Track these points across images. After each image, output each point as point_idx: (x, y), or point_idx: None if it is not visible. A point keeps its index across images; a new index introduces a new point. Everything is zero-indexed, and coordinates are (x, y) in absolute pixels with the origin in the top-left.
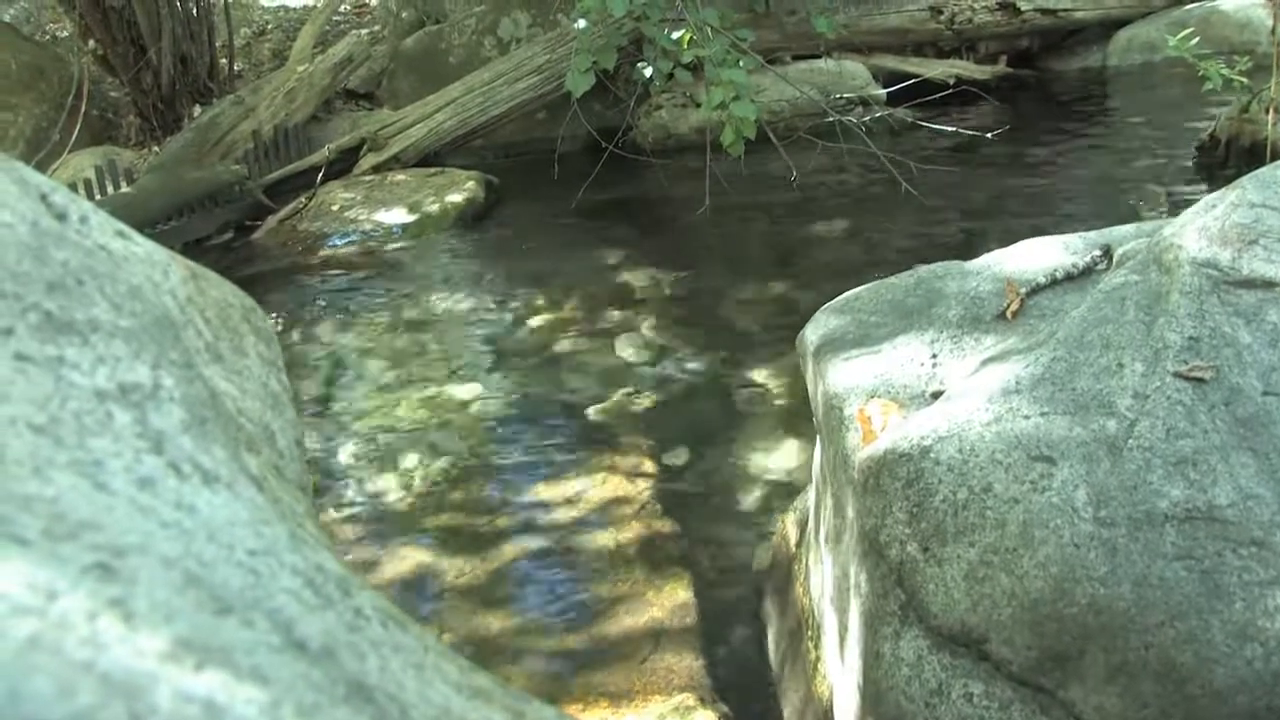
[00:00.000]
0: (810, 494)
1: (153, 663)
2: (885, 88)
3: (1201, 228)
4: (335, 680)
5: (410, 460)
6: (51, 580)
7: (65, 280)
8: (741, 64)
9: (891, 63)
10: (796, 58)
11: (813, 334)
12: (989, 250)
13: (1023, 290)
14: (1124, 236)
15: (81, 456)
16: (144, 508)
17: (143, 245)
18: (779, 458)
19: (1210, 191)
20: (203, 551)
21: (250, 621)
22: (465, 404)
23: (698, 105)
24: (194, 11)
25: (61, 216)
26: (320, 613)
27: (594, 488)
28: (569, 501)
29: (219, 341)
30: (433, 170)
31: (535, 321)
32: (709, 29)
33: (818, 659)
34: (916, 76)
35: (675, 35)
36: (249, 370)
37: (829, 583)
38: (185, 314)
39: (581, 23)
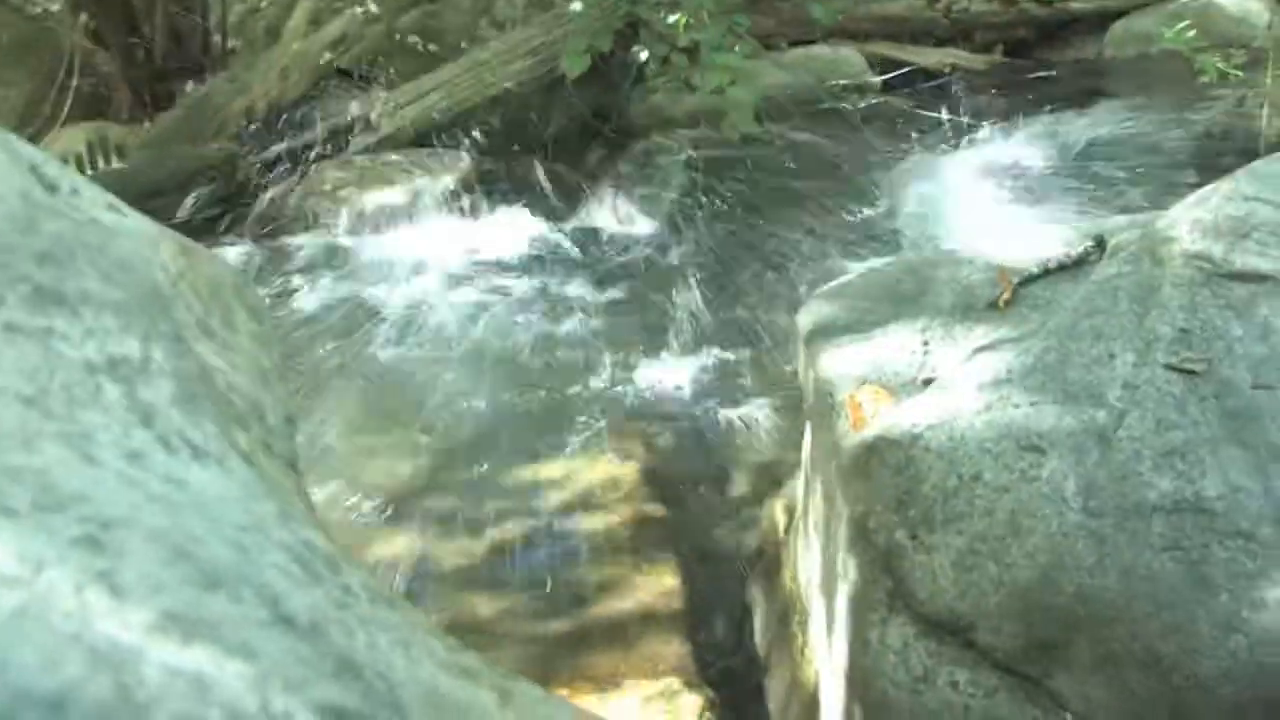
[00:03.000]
0: (799, 480)
1: (140, 635)
2: (881, 75)
3: (1195, 220)
4: (323, 655)
5: (399, 442)
6: (39, 551)
7: (55, 252)
8: (738, 49)
9: (887, 50)
10: (792, 44)
11: (805, 320)
12: (982, 239)
13: (1015, 280)
14: (1117, 227)
15: (70, 429)
16: (132, 481)
17: (134, 219)
18: (768, 443)
19: (1204, 184)
20: (191, 526)
21: (238, 596)
22: (456, 390)
23: (693, 89)
24: None
25: (52, 188)
26: (308, 589)
27: (582, 473)
28: (557, 486)
29: (210, 317)
30: (426, 150)
31: (526, 306)
32: (705, 13)
33: (804, 644)
34: (912, 64)
35: (671, 19)
36: (240, 346)
37: (817, 569)
38: (176, 288)
39: (578, 5)
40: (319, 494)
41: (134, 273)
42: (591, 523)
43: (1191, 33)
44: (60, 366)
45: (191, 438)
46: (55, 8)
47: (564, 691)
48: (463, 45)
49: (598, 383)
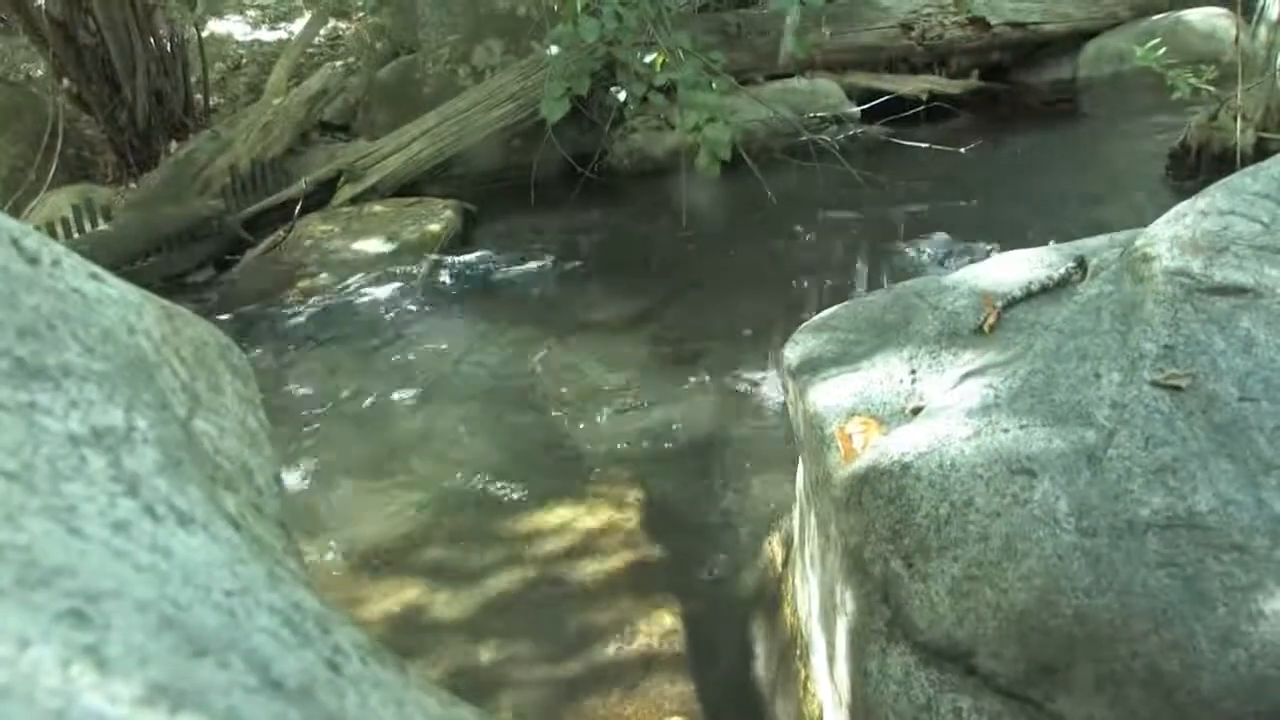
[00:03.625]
0: (794, 513)
1: (126, 709)
2: (859, 105)
3: (1173, 237)
4: (312, 719)
5: (396, 493)
6: (24, 628)
7: (37, 325)
8: (714, 86)
9: (864, 80)
10: (770, 78)
11: (792, 354)
12: (964, 265)
13: (999, 304)
14: (1098, 247)
15: (55, 502)
16: (118, 552)
17: (116, 287)
18: (763, 478)
19: (1181, 199)
20: (178, 594)
21: (226, 663)
22: (449, 435)
23: (672, 127)
24: (168, 47)
25: (34, 260)
26: (298, 651)
27: (581, 516)
28: (557, 531)
29: (195, 381)
30: (410, 200)
31: (515, 349)
32: (681, 52)
33: (807, 677)
34: (889, 93)
35: (648, 59)
36: (226, 408)
37: (816, 601)
38: (160, 354)
39: (554, 49)
40: (313, 549)
41: (117, 342)
42: (590, 566)
43: (1162, 50)
44: (44, 440)
45: (177, 504)
46: (38, 73)
47: None
48: (442, 94)
49: (590, 425)
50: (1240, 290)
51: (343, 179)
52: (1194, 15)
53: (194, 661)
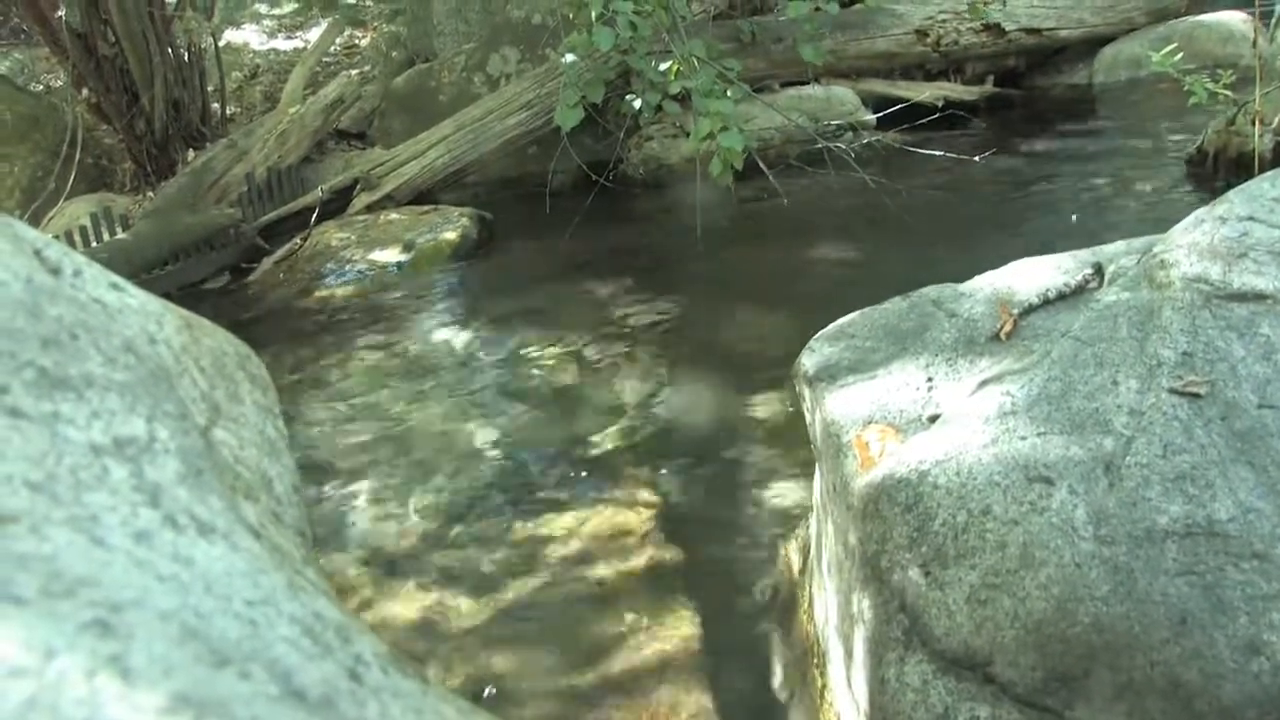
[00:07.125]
0: (811, 521)
1: (150, 719)
2: (874, 112)
3: (1191, 243)
4: None
5: (412, 500)
6: (49, 639)
7: (60, 336)
8: (729, 94)
9: (879, 87)
10: (785, 85)
11: (808, 361)
12: (981, 272)
13: (1016, 311)
14: (1115, 254)
15: (78, 512)
16: (141, 561)
17: (137, 296)
18: (779, 486)
19: (1199, 205)
20: (200, 603)
21: (248, 672)
22: (465, 442)
23: (688, 135)
24: (185, 57)
25: (55, 271)
26: (319, 661)
27: (596, 522)
28: (572, 537)
29: (215, 390)
30: (426, 208)
31: (532, 356)
32: (695, 60)
33: (824, 686)
34: (905, 100)
35: (663, 67)
36: (245, 418)
37: (833, 609)
38: (180, 364)
39: (569, 57)
40: (331, 557)
41: (138, 352)
42: (605, 572)
43: (1179, 55)
44: (67, 450)
45: (198, 514)
46: (57, 84)
47: None
48: (458, 102)
49: (606, 431)
50: (1259, 296)
51: (359, 187)
52: (1211, 20)
53: (216, 671)
